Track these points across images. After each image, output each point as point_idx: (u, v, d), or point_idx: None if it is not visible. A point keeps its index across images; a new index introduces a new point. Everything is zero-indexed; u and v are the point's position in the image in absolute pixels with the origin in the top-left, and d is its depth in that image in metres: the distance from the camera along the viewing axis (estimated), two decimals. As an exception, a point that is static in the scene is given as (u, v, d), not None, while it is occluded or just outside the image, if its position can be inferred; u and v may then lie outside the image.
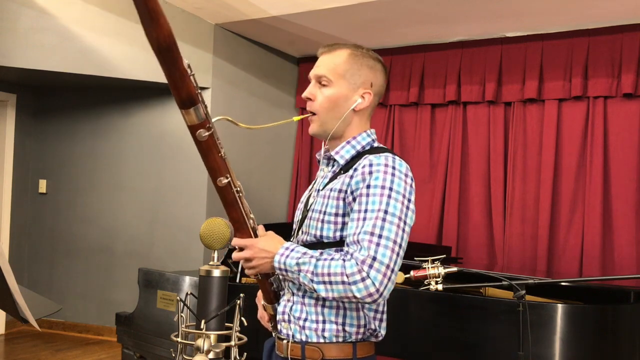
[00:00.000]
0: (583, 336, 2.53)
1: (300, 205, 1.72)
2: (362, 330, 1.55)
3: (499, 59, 4.71)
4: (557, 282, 2.89)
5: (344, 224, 1.53)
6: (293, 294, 1.59)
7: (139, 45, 4.39)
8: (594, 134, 4.37)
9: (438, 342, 2.72)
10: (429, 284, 2.42)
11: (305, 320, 1.55)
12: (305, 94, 1.64)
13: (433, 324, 2.76)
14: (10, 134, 5.33)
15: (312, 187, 1.71)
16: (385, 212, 1.44)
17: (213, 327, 1.35)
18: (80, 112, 5.42)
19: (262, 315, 1.77)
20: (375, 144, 1.64)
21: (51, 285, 5.47)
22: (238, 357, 1.38)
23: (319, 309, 1.54)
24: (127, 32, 4.35)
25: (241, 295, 1.40)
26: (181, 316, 1.38)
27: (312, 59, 1.69)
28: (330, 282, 1.42)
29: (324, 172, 1.68)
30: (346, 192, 1.52)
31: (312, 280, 1.44)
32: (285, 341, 1.58)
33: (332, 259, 1.44)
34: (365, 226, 1.44)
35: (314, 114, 1.62)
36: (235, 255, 1.54)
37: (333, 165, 1.66)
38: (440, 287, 2.40)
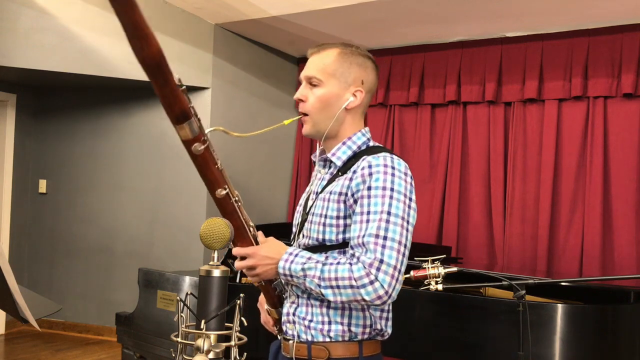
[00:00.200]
0: (583, 336, 2.53)
1: (299, 208, 1.71)
2: (368, 330, 1.55)
3: (499, 59, 4.71)
4: (557, 282, 2.89)
5: (345, 226, 1.53)
6: (298, 297, 1.59)
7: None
8: (594, 134, 4.37)
9: (438, 342, 2.72)
10: (429, 284, 2.42)
11: (311, 321, 1.55)
12: (296, 96, 1.63)
13: (433, 324, 2.76)
14: (10, 134, 5.33)
15: (310, 189, 1.70)
16: (389, 213, 1.44)
17: (213, 327, 1.35)
18: (80, 112, 5.42)
19: (267, 320, 1.77)
20: (371, 143, 1.64)
21: (51, 285, 5.47)
22: (238, 357, 1.38)
23: (324, 310, 1.54)
24: (127, 32, 4.35)
25: (241, 295, 1.40)
26: (181, 316, 1.38)
27: (312, 59, 1.69)
28: (338, 287, 1.42)
29: (321, 174, 1.67)
30: (346, 194, 1.52)
31: (319, 285, 1.45)
32: (291, 341, 1.58)
33: (338, 263, 1.44)
34: (370, 228, 1.44)
35: (306, 115, 1.61)
36: (238, 264, 1.53)
37: (330, 167, 1.65)
38: (440, 287, 2.40)
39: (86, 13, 4.28)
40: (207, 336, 1.33)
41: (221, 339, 1.37)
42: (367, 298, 1.40)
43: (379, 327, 1.57)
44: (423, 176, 5.01)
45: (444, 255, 2.57)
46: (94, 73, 4.36)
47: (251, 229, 1.53)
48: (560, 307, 2.53)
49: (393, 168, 1.50)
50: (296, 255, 1.50)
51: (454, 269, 2.46)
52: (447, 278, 2.45)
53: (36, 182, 5.57)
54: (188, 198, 4.91)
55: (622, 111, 4.32)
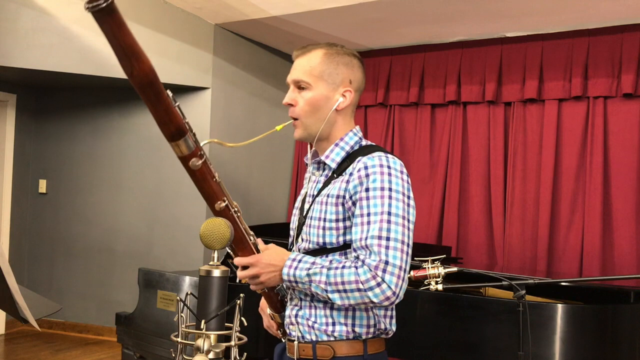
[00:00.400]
0: (583, 336, 2.53)
1: (296, 211, 1.70)
2: (372, 329, 1.55)
3: (499, 59, 4.71)
4: (557, 282, 2.89)
5: (345, 228, 1.53)
6: (301, 300, 1.59)
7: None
8: (594, 134, 4.37)
9: (438, 342, 2.72)
10: (429, 284, 2.42)
11: (315, 322, 1.55)
12: (285, 100, 1.62)
13: (433, 324, 2.76)
14: (10, 134, 5.33)
15: (306, 191, 1.69)
16: (389, 213, 1.44)
17: (213, 327, 1.35)
18: (80, 112, 5.42)
19: (270, 325, 1.77)
20: (363, 142, 1.63)
21: (51, 285, 5.47)
22: (238, 357, 1.38)
23: (328, 311, 1.54)
24: (127, 32, 4.34)
25: (241, 295, 1.40)
26: (181, 316, 1.38)
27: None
28: (345, 291, 1.42)
29: (315, 177, 1.67)
30: (344, 197, 1.52)
31: (325, 290, 1.45)
32: (295, 342, 1.57)
33: (343, 267, 1.44)
34: (372, 230, 1.44)
35: (296, 119, 1.60)
36: (241, 274, 1.53)
37: (324, 169, 1.64)
38: (440, 287, 2.40)
39: (86, 13, 4.24)
40: (207, 336, 1.33)
41: (221, 339, 1.37)
42: (375, 300, 1.40)
43: (383, 326, 1.57)
44: (423, 176, 5.00)
45: (444, 255, 2.57)
46: (94, 73, 4.36)
47: (251, 237, 1.52)
48: (560, 307, 2.53)
49: (389, 167, 1.49)
50: (299, 261, 1.49)
51: (454, 269, 2.47)
52: (447, 278, 2.46)
53: (36, 182, 5.57)
54: (188, 198, 4.91)
55: (622, 111, 4.32)
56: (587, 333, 2.55)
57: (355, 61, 1.63)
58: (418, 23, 4.50)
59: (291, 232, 1.71)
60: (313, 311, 1.56)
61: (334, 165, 1.60)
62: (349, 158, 1.58)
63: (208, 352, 1.32)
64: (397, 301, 1.43)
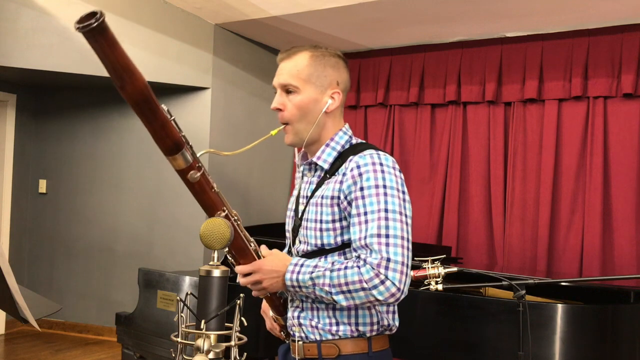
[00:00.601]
0: (583, 336, 2.53)
1: (290, 213, 1.70)
2: (375, 327, 1.56)
3: (499, 59, 4.70)
4: (557, 282, 2.89)
5: (342, 228, 1.53)
6: (302, 301, 1.59)
7: (139, 45, 4.39)
8: (594, 134, 4.37)
9: (438, 342, 2.72)
10: (429, 284, 2.42)
11: (318, 322, 1.56)
12: (274, 105, 1.61)
13: (433, 324, 2.76)
14: (10, 134, 5.33)
15: (298, 193, 1.68)
16: (386, 210, 1.44)
17: (213, 327, 1.35)
18: (80, 112, 5.42)
19: (273, 327, 1.77)
20: (354, 141, 1.63)
21: (51, 285, 5.47)
22: (238, 357, 1.38)
23: (330, 312, 1.55)
24: (127, 32, 4.35)
25: (241, 295, 1.40)
26: (181, 316, 1.38)
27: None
28: (350, 291, 1.42)
29: (307, 178, 1.66)
30: (339, 197, 1.52)
31: (330, 293, 1.44)
32: (300, 342, 1.57)
33: (345, 267, 1.44)
34: (370, 229, 1.44)
35: (286, 124, 1.59)
36: (243, 280, 1.53)
37: (316, 170, 1.64)
38: (440, 287, 2.40)
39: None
40: (207, 336, 1.33)
41: (221, 339, 1.37)
42: (380, 298, 1.40)
43: (386, 322, 1.57)
44: (423, 176, 5.00)
45: (444, 255, 2.57)
46: (94, 73, 4.36)
47: (252, 244, 1.52)
48: (560, 307, 2.53)
49: (381, 165, 1.49)
50: (302, 266, 1.49)
51: (454, 269, 2.46)
52: (447, 278, 2.46)
53: (36, 182, 5.57)
54: (188, 198, 4.87)
55: (622, 111, 4.31)
56: (587, 333, 2.55)
57: (340, 62, 1.63)
58: (418, 23, 4.50)
59: (287, 235, 1.71)
60: (315, 312, 1.56)
61: (326, 166, 1.59)
62: (341, 157, 1.57)
63: (208, 352, 1.32)
64: (402, 297, 1.43)
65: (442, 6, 4.10)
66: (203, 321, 1.33)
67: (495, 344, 2.58)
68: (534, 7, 4.03)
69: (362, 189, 1.47)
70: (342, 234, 1.53)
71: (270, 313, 1.74)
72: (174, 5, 4.52)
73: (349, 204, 1.50)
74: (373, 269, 1.40)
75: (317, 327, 1.55)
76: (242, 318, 1.42)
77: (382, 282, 1.39)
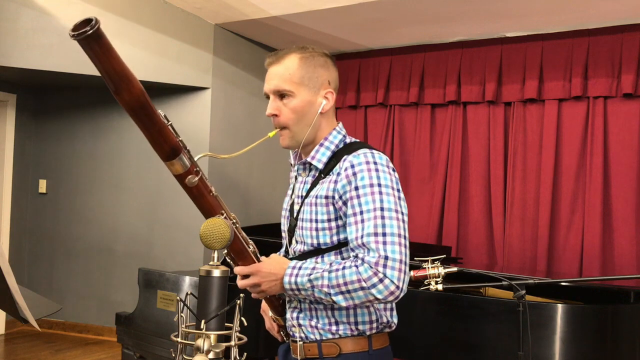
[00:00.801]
0: (583, 336, 2.53)
1: (285, 213, 1.70)
2: (375, 325, 1.56)
3: (499, 59, 4.71)
4: (557, 282, 2.89)
5: (338, 227, 1.53)
6: (300, 302, 1.59)
7: (139, 45, 4.39)
8: (594, 134, 4.37)
9: (438, 342, 2.72)
10: (429, 284, 2.42)
11: (317, 323, 1.56)
12: (269, 111, 1.58)
13: (433, 324, 2.76)
14: (10, 134, 5.33)
15: (293, 193, 1.68)
16: (382, 209, 1.44)
17: (213, 327, 1.34)
18: (80, 112, 5.42)
19: (271, 327, 1.77)
20: (347, 140, 1.63)
21: (51, 285, 5.47)
22: (238, 357, 1.38)
23: (329, 312, 1.55)
24: (127, 32, 4.35)
25: (241, 295, 1.40)
26: (181, 316, 1.38)
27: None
28: (349, 291, 1.42)
29: (302, 177, 1.66)
30: (333, 197, 1.52)
31: (329, 294, 1.44)
32: (300, 343, 1.58)
33: (343, 267, 1.44)
34: (367, 228, 1.44)
35: (283, 128, 1.58)
36: (241, 283, 1.53)
37: (311, 170, 1.64)
38: (440, 287, 2.40)
39: (86, 13, 4.26)
40: (207, 336, 1.33)
41: (221, 339, 1.37)
42: (379, 297, 1.40)
43: (385, 319, 1.57)
44: (423, 176, 5.00)
45: (444, 255, 2.57)
46: (94, 73, 4.31)
47: (250, 246, 1.52)
48: (560, 307, 2.53)
49: (375, 163, 1.49)
50: (300, 268, 1.49)
51: (454, 269, 2.46)
52: (447, 278, 2.45)
53: (36, 182, 5.57)
54: (188, 198, 4.89)
55: (622, 111, 4.32)
56: (587, 333, 2.55)
57: (329, 61, 1.63)
58: (418, 23, 4.50)
59: (283, 235, 1.71)
60: (314, 313, 1.56)
61: (320, 166, 1.59)
62: (335, 157, 1.57)
63: (208, 352, 1.32)
64: (402, 295, 1.43)
65: (442, 6, 4.10)
66: (203, 321, 1.33)
67: (495, 344, 2.58)
68: (534, 7, 4.03)
69: (357, 188, 1.47)
70: (338, 233, 1.53)
71: (270, 313, 1.74)
72: (174, 5, 4.52)
73: (344, 203, 1.50)
74: (371, 267, 1.40)
75: (316, 327, 1.55)
76: (242, 318, 1.42)
77: (381, 281, 1.39)
